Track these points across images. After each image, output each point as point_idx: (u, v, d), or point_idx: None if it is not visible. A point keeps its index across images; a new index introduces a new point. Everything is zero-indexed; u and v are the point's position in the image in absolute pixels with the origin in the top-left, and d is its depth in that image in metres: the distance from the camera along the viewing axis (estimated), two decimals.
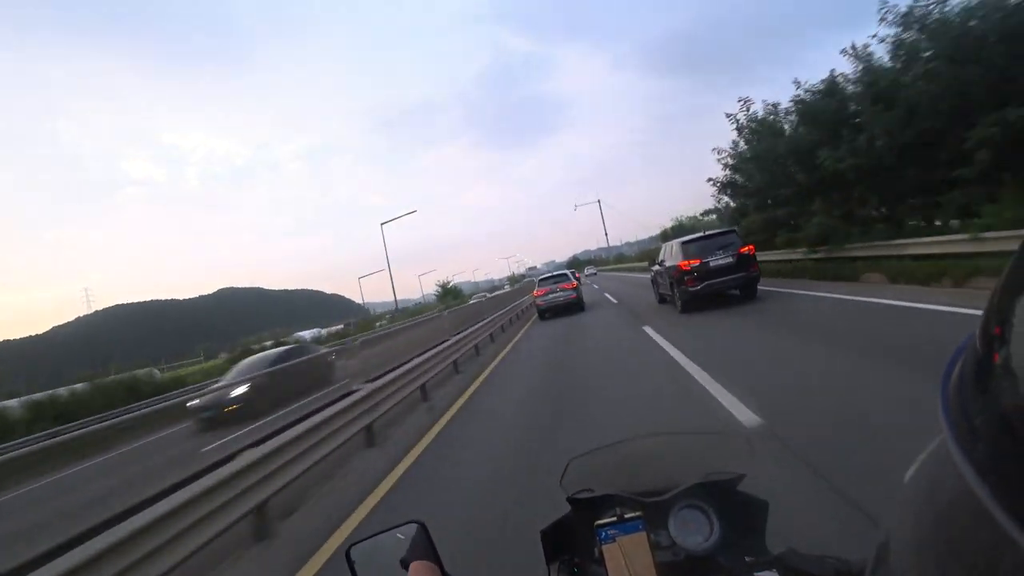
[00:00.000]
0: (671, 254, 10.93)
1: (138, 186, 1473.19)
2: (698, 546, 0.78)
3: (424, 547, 0.77)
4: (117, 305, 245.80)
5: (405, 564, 0.74)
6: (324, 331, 51.94)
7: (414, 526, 0.80)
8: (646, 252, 58.96)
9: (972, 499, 0.22)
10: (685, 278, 9.81)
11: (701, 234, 10.59)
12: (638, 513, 0.77)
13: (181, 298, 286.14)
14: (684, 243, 10.33)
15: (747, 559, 0.76)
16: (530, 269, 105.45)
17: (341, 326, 57.99)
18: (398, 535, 0.79)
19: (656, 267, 12.69)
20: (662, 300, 12.55)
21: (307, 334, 48.88)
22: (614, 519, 0.76)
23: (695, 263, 9.77)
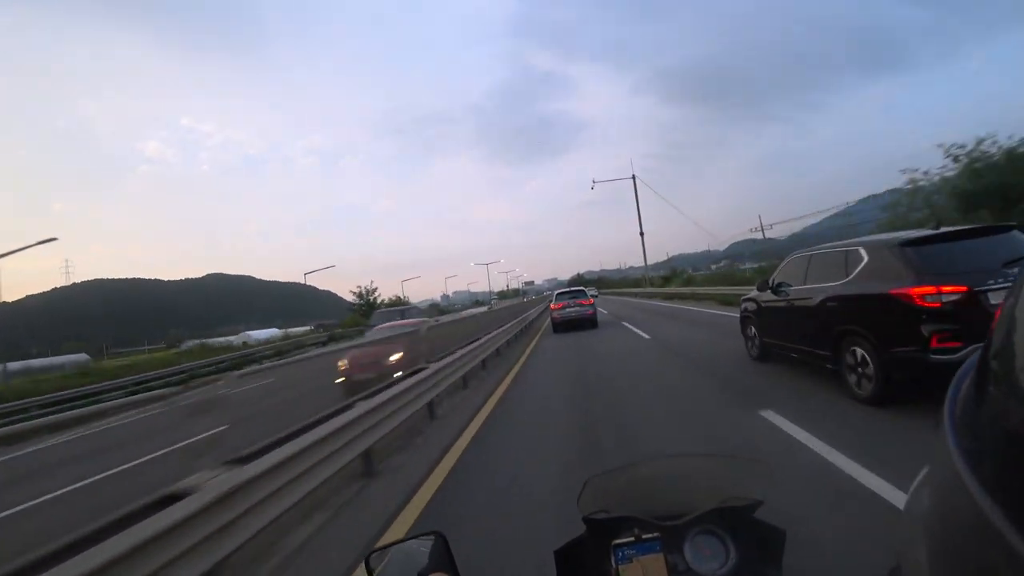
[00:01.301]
0: (848, 266, 4.98)
1: (151, 165, 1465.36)
2: (713, 572, 0.79)
3: (442, 558, 0.77)
4: (96, 280, 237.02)
5: (424, 575, 0.74)
6: (281, 331, 45.72)
7: (433, 537, 0.80)
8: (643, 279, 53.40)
9: (982, 519, 0.21)
10: (925, 326, 3.95)
11: (951, 230, 4.67)
12: (656, 534, 0.77)
13: (166, 279, 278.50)
14: (909, 244, 4.41)
15: None
16: (527, 284, 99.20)
17: (311, 327, 51.51)
18: (418, 545, 0.80)
19: (765, 295, 6.74)
20: (763, 354, 6.91)
21: (262, 334, 42.86)
22: (632, 539, 0.77)
23: (952, 293, 3.92)
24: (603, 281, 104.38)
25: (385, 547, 0.81)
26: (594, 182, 45.02)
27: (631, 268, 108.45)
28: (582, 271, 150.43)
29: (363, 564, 0.77)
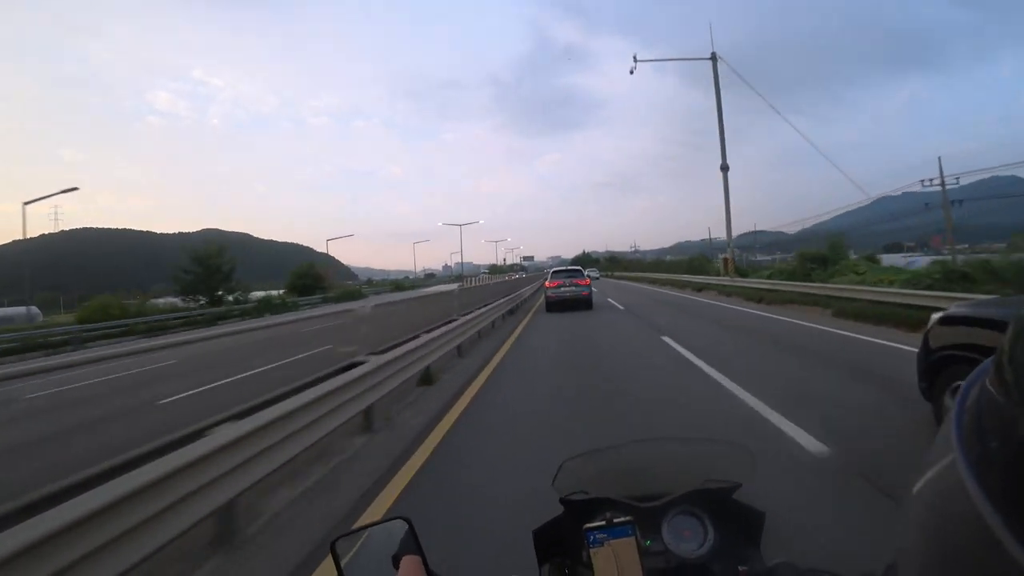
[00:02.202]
0: None
1: (160, 116, 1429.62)
2: (691, 553, 0.79)
3: (411, 544, 0.76)
4: (85, 228, 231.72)
5: (395, 560, 0.74)
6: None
7: (401, 522, 0.78)
8: (683, 261, 47.01)
9: (983, 526, 0.22)
10: None
11: None
12: (628, 517, 0.75)
13: (159, 232, 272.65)
14: None
15: (740, 568, 0.75)
16: (525, 259, 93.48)
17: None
18: (385, 530, 0.79)
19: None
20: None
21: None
22: (603, 523, 0.75)
23: None
24: (616, 261, 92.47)
25: (351, 532, 0.79)
26: (636, 61, 29.09)
27: (643, 251, 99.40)
28: (588, 250, 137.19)
29: (330, 551, 0.75)
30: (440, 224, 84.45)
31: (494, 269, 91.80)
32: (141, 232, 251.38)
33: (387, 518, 0.81)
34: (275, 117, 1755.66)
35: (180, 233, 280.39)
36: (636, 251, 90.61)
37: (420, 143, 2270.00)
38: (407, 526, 0.77)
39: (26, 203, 22.55)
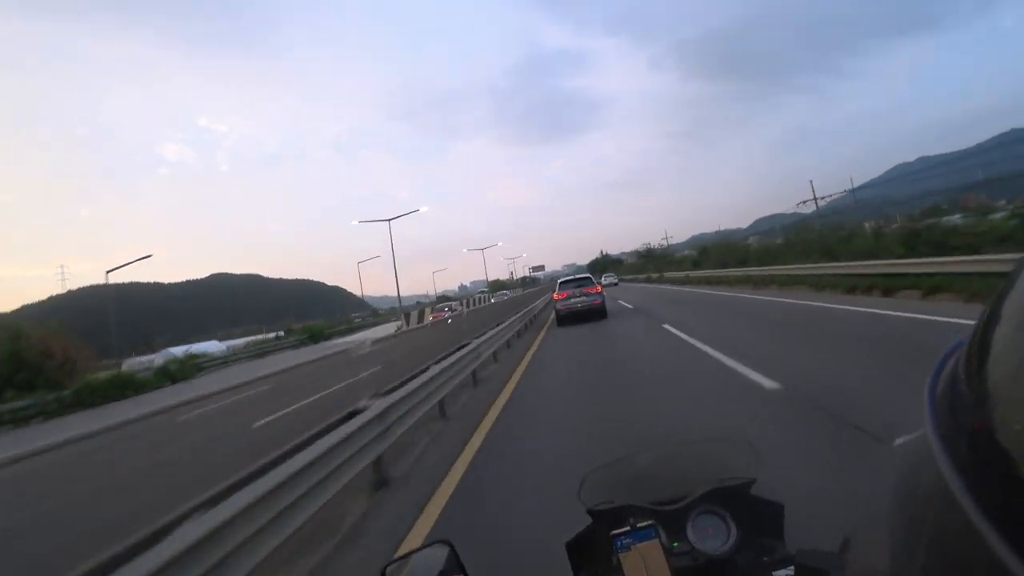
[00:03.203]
0: None
1: (168, 167, 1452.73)
2: (717, 550, 0.81)
3: (454, 565, 0.80)
4: (93, 286, 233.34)
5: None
6: (229, 344, 39.86)
7: (442, 546, 0.82)
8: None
9: (946, 489, 0.24)
10: None
11: None
12: (650, 521, 0.79)
13: (167, 282, 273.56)
14: None
15: (765, 559, 0.79)
16: (535, 269, 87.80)
17: (278, 334, 44.85)
18: (429, 555, 0.83)
19: None
20: None
21: (210, 346, 36.93)
22: (628, 528, 0.78)
23: None
24: (652, 257, 64.41)
25: (397, 559, 0.86)
26: None
27: (663, 248, 71.14)
28: (607, 252, 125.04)
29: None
30: (465, 251, 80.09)
31: (496, 286, 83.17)
32: (147, 284, 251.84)
33: (429, 543, 0.86)
34: (280, 155, 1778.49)
35: (188, 281, 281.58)
36: (647, 249, 75.64)
37: (427, 164, 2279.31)
38: (448, 548, 0.81)
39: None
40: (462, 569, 0.79)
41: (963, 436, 0.24)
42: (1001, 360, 0.24)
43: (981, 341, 0.25)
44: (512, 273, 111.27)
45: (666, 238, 77.13)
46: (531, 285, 71.81)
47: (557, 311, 15.67)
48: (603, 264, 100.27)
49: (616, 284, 44.77)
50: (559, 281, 17.19)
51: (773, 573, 0.74)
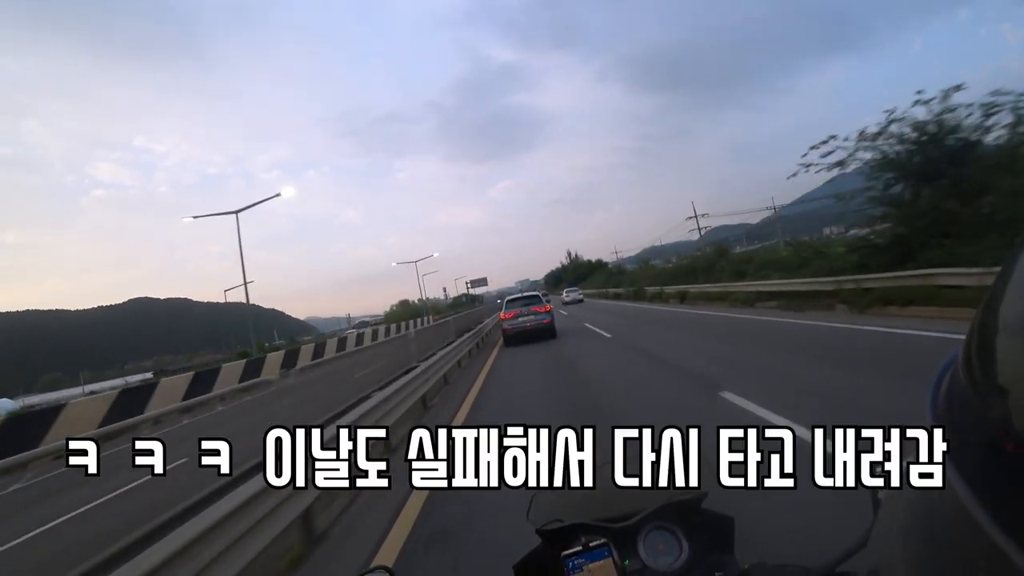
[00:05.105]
0: None
1: (104, 188, 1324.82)
2: (669, 567, 0.79)
3: None
4: None
5: None
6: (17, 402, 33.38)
7: (383, 572, 0.80)
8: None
9: (953, 495, 0.24)
10: None
11: None
12: (602, 540, 0.77)
13: (73, 309, 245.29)
14: None
15: (717, 574, 0.77)
16: (474, 284, 77.36)
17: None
18: None
19: None
20: None
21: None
22: (579, 548, 0.76)
23: None
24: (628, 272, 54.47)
25: None
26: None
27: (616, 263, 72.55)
28: (555, 267, 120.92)
29: None
30: (394, 264, 67.56)
31: (407, 309, 67.49)
32: (48, 311, 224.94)
33: (370, 568, 0.83)
34: (225, 176, 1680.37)
35: (100, 307, 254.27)
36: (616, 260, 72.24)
37: (374, 183, 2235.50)
38: (388, 574, 0.80)
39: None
40: None
41: (971, 448, 0.24)
42: (1008, 367, 0.23)
43: (980, 348, 0.25)
44: (445, 292, 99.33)
45: (616, 252, 74.29)
46: (470, 305, 65.01)
47: (504, 331, 14.89)
48: (559, 279, 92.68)
49: (581, 301, 36.97)
50: (506, 299, 16.57)
51: None
